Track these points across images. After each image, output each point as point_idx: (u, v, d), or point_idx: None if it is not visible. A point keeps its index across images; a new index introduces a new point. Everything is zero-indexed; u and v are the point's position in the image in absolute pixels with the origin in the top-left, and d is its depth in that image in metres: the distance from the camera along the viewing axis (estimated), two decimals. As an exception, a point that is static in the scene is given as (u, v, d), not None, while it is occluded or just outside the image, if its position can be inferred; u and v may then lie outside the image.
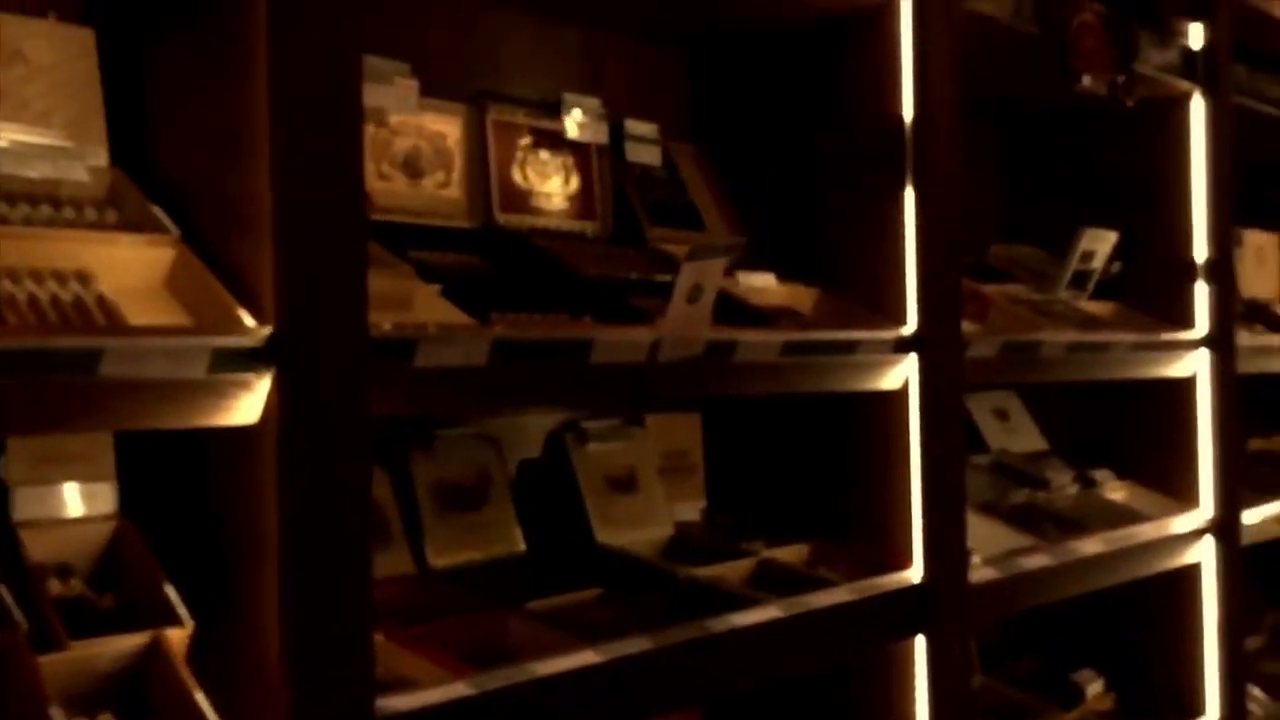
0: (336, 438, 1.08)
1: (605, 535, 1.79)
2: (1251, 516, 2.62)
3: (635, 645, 1.39)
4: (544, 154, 1.81)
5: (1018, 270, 2.49)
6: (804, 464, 1.98)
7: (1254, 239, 3.03)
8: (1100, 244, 2.39)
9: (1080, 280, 2.41)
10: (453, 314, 1.32)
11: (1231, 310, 2.48)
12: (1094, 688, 2.41)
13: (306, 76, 1.09)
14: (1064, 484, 2.37)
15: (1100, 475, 2.46)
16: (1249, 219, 3.01)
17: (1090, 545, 2.12)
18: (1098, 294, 2.44)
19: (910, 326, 1.80)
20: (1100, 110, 2.35)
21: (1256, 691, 2.69)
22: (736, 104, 2.07)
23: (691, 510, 2.00)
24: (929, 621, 1.78)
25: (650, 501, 1.89)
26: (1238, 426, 2.47)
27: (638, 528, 1.84)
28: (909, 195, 1.81)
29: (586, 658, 1.33)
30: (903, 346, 1.79)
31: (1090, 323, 2.34)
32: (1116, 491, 2.45)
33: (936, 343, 1.81)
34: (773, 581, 1.73)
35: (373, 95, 1.56)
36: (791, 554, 1.85)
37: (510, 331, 1.30)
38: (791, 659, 1.60)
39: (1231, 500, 2.44)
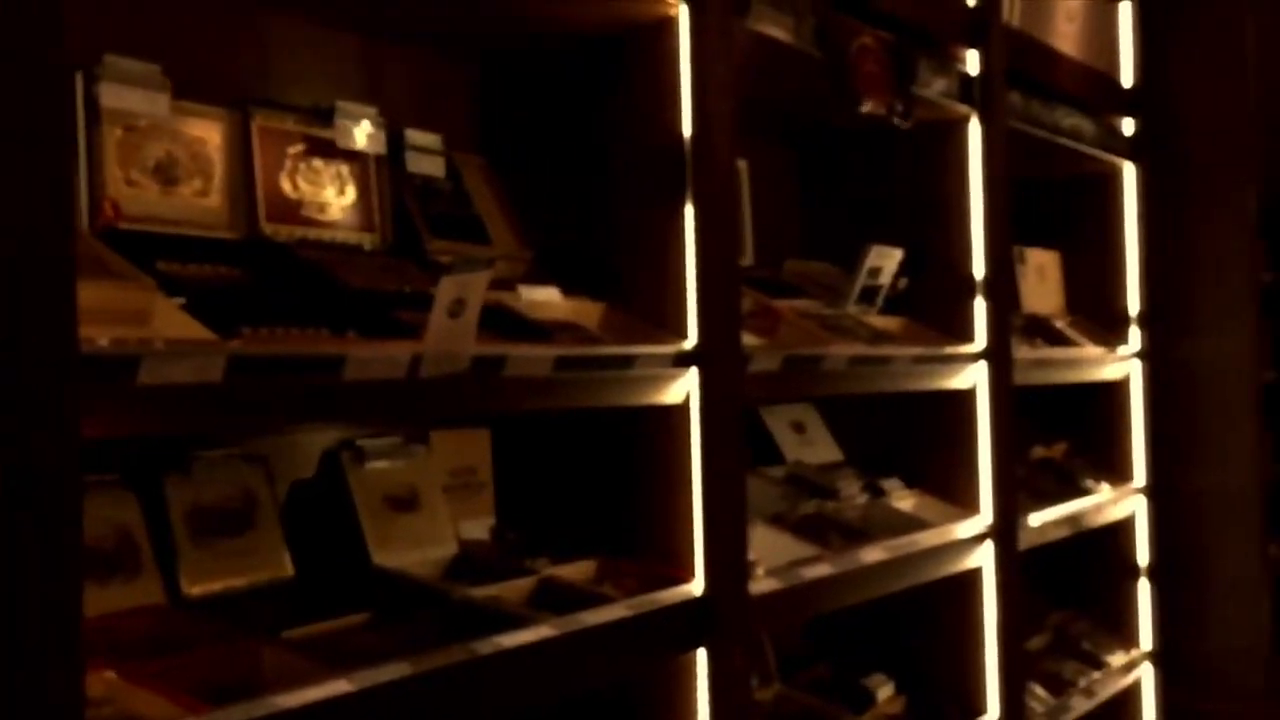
0: (37, 462, 1.00)
1: (382, 557, 1.74)
2: (1035, 520, 2.75)
3: (393, 671, 1.34)
4: (317, 163, 1.75)
5: (810, 286, 2.55)
6: (593, 479, 1.97)
7: (1036, 257, 3.19)
8: (886, 260, 2.47)
9: (869, 295, 2.49)
10: (191, 328, 1.26)
11: (1008, 325, 2.60)
12: (884, 691, 2.48)
13: None
14: (853, 494, 2.43)
15: (889, 485, 2.54)
16: (1032, 238, 3.17)
17: (873, 553, 2.18)
18: (887, 309, 2.52)
19: (691, 341, 1.81)
20: (887, 131, 2.43)
21: (1039, 690, 2.82)
22: (525, 117, 2.06)
23: (480, 528, 1.97)
24: (710, 634, 1.79)
25: (433, 521, 1.84)
26: (1014, 436, 2.59)
27: (419, 548, 1.79)
28: (689, 211, 1.82)
29: (338, 687, 1.28)
30: (683, 361, 1.80)
31: (878, 337, 2.41)
32: (904, 500, 2.53)
33: (717, 357, 1.83)
34: (553, 600, 1.71)
35: (118, 97, 1.48)
36: (577, 571, 1.84)
37: (250, 347, 1.24)
38: (565, 678, 1.58)
39: (1008, 506, 2.55)
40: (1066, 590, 3.21)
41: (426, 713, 1.38)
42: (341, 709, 1.28)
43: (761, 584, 1.91)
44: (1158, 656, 3.24)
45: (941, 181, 2.56)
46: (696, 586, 1.80)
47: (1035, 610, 3.08)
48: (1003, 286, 2.58)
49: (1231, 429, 3.26)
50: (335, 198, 1.77)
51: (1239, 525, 3.26)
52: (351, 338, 1.45)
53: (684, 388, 1.82)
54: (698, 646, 1.79)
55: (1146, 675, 3.23)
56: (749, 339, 1.99)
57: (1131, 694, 3.19)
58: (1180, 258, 3.30)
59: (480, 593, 1.64)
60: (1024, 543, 2.65)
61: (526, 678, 1.52)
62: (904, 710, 2.49)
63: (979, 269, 2.54)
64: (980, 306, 2.53)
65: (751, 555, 1.94)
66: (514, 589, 1.72)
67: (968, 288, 2.54)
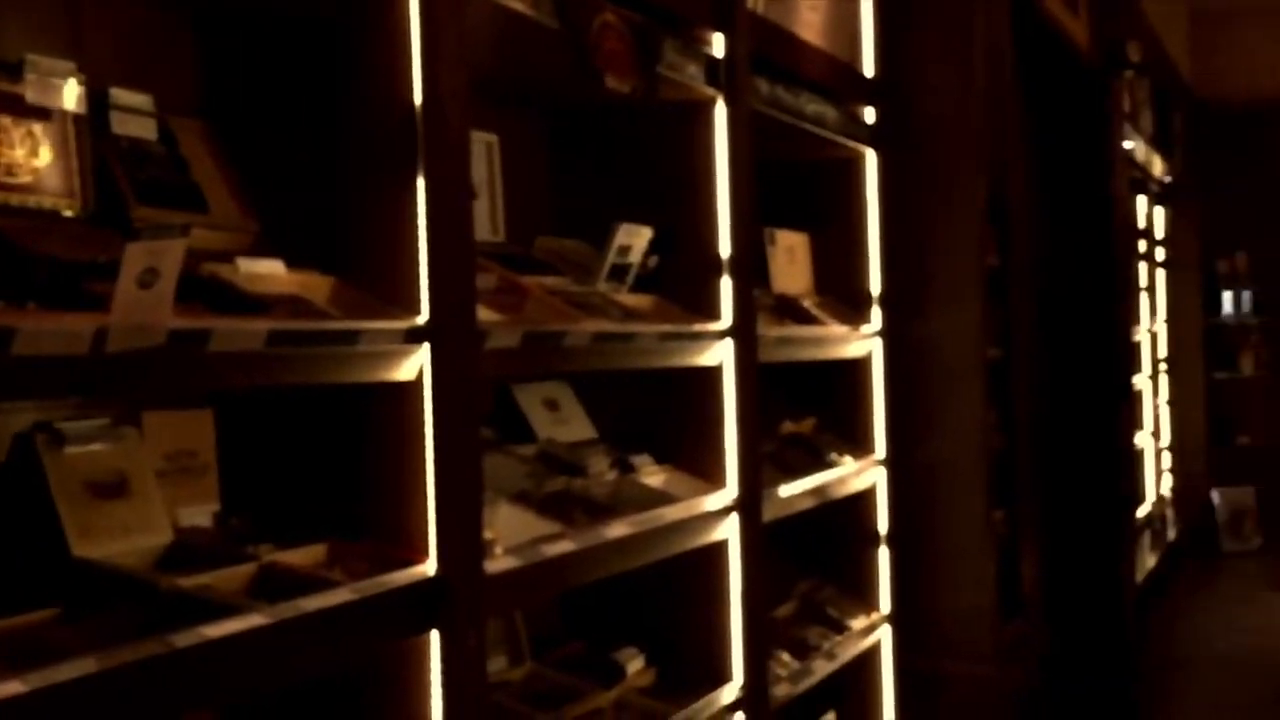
0: None
1: (84, 548, 1.61)
2: (784, 492, 2.85)
3: (77, 668, 1.24)
4: (4, 120, 1.60)
5: (562, 263, 2.54)
6: (326, 460, 1.89)
7: (785, 239, 3.30)
8: (636, 239, 2.49)
9: (619, 273, 2.50)
10: None
11: (753, 303, 2.67)
12: (634, 664, 2.51)
13: None
14: (603, 471, 2.45)
15: (639, 461, 2.56)
16: (783, 220, 3.28)
17: (618, 529, 2.19)
18: (638, 287, 2.54)
19: (423, 316, 1.77)
20: (637, 110, 2.44)
21: (784, 655, 2.93)
22: (252, 81, 1.95)
23: (202, 515, 1.86)
24: (443, 615, 1.76)
25: (145, 508, 1.73)
26: (759, 411, 2.67)
27: (128, 537, 1.67)
28: (420, 184, 1.77)
29: (9, 688, 1.17)
30: (414, 336, 1.75)
31: (628, 315, 2.43)
32: (653, 476, 2.56)
33: (450, 333, 1.79)
34: (274, 586, 1.63)
35: None
36: (305, 556, 1.76)
37: (-107, 319, 1.12)
38: (281, 668, 1.51)
39: (753, 480, 2.63)
40: (814, 559, 3.35)
41: (116, 711, 1.29)
42: (13, 711, 1.17)
43: (499, 563, 1.89)
44: (895, 619, 3.43)
45: (689, 162, 2.60)
46: (429, 567, 1.77)
47: (784, 579, 3.20)
48: (748, 265, 2.66)
49: (960, 404, 3.48)
50: (26, 159, 1.62)
51: (966, 494, 3.48)
52: (31, 310, 1.34)
53: (416, 364, 1.77)
54: (430, 628, 1.76)
55: (885, 637, 3.41)
56: (493, 315, 1.96)
57: (871, 655, 3.36)
58: (916, 242, 3.48)
59: (190, 582, 1.55)
60: (771, 514, 2.74)
61: (236, 669, 1.45)
62: (654, 681, 2.53)
63: (726, 248, 2.60)
64: (727, 285, 2.59)
65: (490, 534, 1.92)
66: (231, 577, 1.63)
67: (715, 266, 2.60)
